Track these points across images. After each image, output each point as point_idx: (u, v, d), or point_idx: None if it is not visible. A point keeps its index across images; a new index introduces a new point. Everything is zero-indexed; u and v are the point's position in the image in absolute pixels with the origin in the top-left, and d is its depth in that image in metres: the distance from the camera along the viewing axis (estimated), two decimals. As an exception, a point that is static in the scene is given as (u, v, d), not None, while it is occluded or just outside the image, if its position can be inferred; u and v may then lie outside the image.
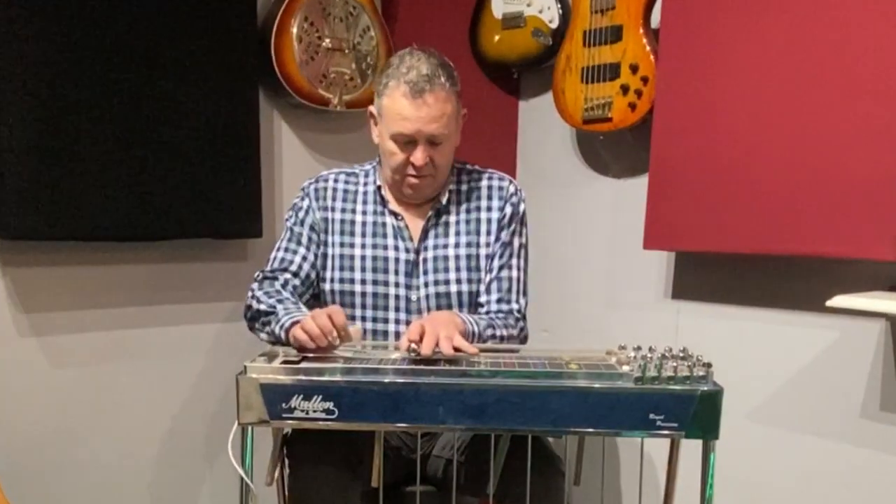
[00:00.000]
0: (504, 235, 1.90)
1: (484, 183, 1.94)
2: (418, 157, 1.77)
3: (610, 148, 2.47)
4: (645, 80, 2.18)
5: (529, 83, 2.70)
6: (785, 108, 1.90)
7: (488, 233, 1.90)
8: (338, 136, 2.61)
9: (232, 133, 2.26)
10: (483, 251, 1.89)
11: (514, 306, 1.91)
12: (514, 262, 1.91)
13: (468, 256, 1.89)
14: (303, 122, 2.54)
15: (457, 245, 1.89)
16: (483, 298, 1.90)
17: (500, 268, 1.90)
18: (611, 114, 2.26)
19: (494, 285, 1.89)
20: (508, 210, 1.91)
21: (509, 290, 1.90)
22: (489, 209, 1.91)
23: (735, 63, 1.99)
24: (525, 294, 1.93)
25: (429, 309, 1.86)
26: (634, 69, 2.19)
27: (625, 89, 2.22)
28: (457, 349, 1.56)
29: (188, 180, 2.20)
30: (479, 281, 1.89)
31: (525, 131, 2.75)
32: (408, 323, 1.83)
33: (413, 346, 1.56)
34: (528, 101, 2.73)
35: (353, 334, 1.63)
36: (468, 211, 1.91)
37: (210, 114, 2.21)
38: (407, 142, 1.77)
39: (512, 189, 1.93)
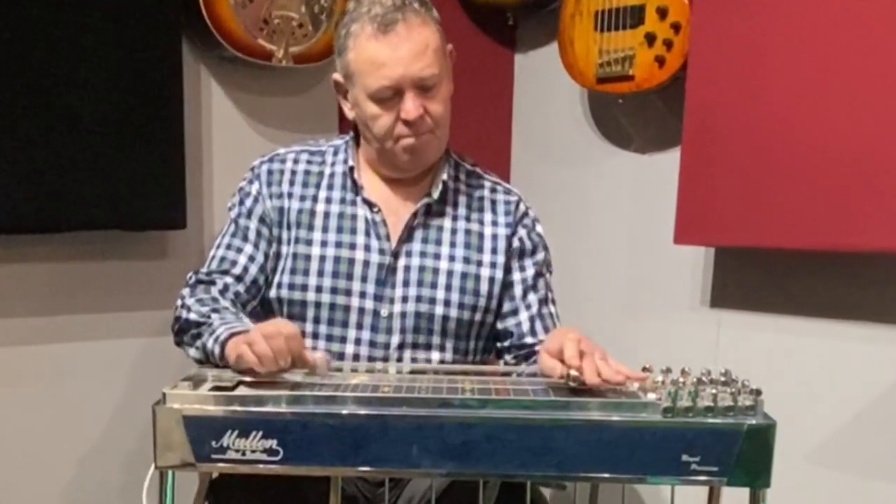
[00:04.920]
0: (531, 264, 1.93)
1: (487, 193, 1.96)
2: (409, 108, 1.75)
3: (632, 114, 2.48)
4: (676, 27, 2.18)
5: (529, 32, 2.71)
6: (857, 63, 1.90)
7: (493, 251, 1.91)
8: (283, 98, 2.60)
9: (147, 96, 2.26)
10: (485, 272, 1.90)
11: None
12: (549, 295, 1.96)
13: (464, 275, 1.88)
14: (238, 80, 2.54)
15: (451, 258, 1.89)
16: (528, 340, 1.90)
17: (541, 303, 1.93)
18: (633, 70, 2.26)
19: (539, 324, 1.91)
20: (522, 232, 1.94)
21: (554, 327, 1.92)
22: (494, 224, 1.93)
23: (792, 6, 1.98)
24: None
25: (402, 330, 1.85)
26: (663, 13, 2.20)
27: (651, 39, 2.22)
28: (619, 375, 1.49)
29: (92, 157, 2.19)
30: (473, 308, 1.89)
31: (522, 93, 2.76)
32: (371, 344, 1.83)
33: (573, 373, 1.51)
34: (526, 54, 2.74)
35: (319, 364, 1.60)
36: (468, 219, 1.92)
37: (119, 72, 2.21)
38: (391, 96, 1.76)
39: (523, 208, 1.96)
